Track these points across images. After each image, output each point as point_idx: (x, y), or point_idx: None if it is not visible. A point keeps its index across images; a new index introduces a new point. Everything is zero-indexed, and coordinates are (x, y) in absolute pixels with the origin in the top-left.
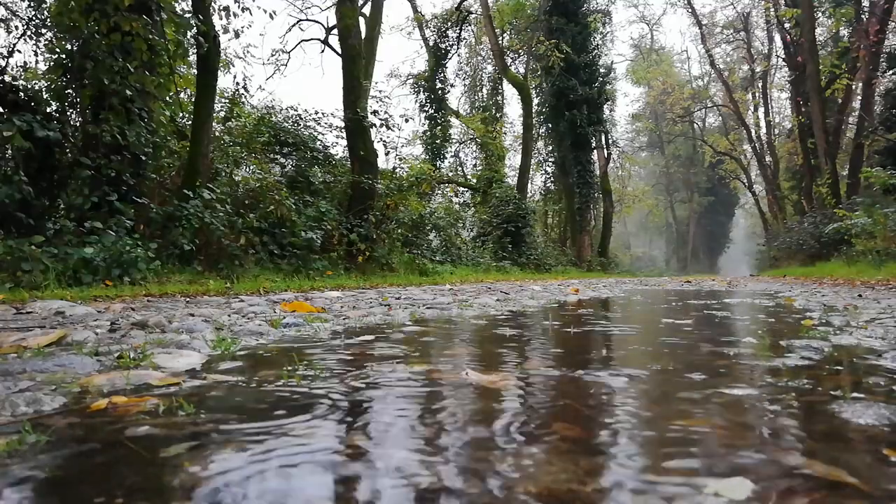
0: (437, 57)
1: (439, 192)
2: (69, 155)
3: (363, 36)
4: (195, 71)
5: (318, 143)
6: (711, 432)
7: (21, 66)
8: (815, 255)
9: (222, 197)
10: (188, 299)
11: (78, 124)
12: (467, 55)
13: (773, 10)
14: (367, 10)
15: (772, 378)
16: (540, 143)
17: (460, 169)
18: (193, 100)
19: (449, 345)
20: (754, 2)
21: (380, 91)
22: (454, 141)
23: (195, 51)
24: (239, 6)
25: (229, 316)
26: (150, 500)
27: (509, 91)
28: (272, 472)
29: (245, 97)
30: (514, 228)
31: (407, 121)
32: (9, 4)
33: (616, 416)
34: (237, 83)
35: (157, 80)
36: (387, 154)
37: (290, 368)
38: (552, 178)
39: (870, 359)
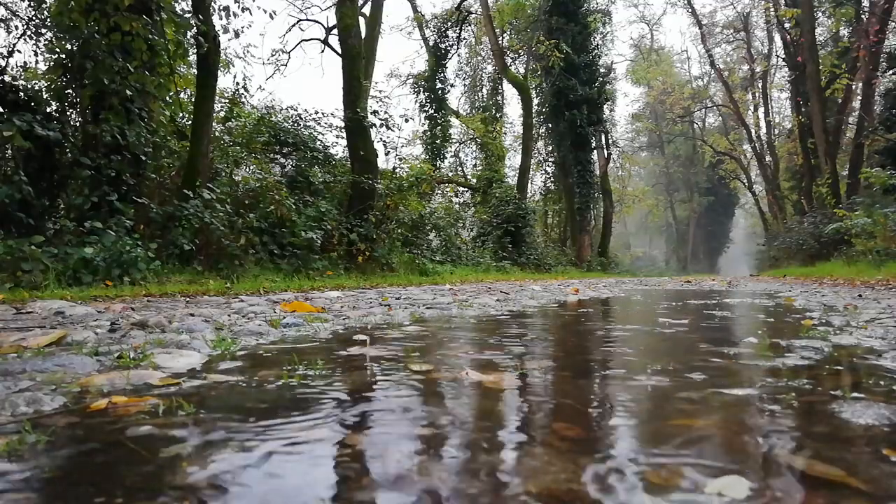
0: (437, 57)
1: (439, 192)
2: (69, 155)
3: (363, 36)
4: (195, 71)
5: (318, 143)
6: (711, 432)
7: (21, 66)
8: (814, 255)
9: (222, 197)
10: (188, 299)
11: (78, 124)
12: (467, 55)
13: (773, 10)
14: (367, 10)
15: (772, 378)
16: (540, 143)
17: (460, 169)
18: (193, 100)
19: (449, 345)
20: (754, 2)
21: (380, 91)
22: (454, 141)
23: (195, 51)
24: (239, 6)
25: (229, 316)
26: (150, 500)
27: (509, 91)
28: (272, 473)
29: (245, 97)
30: (514, 228)
31: (407, 121)
32: (9, 4)
33: (615, 415)
34: (237, 83)
35: (157, 80)
36: (387, 154)
37: (290, 368)
38: (552, 178)
39: (870, 359)
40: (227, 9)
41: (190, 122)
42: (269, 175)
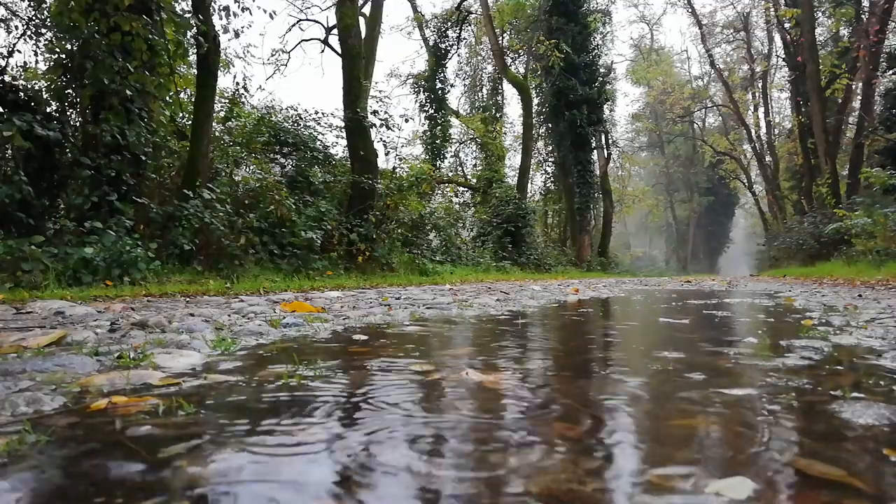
0: (437, 57)
1: (439, 192)
2: (69, 155)
3: (363, 36)
4: (195, 71)
5: (318, 143)
6: (712, 432)
7: (21, 66)
8: (814, 255)
9: (222, 197)
10: (188, 299)
11: (78, 124)
12: (467, 55)
13: (773, 10)
14: (367, 9)
15: (772, 378)
16: (540, 143)
17: (460, 169)
18: (193, 100)
19: (449, 345)
20: (754, 2)
21: (380, 91)
22: (454, 141)
23: (195, 51)
24: (239, 6)
25: (229, 316)
26: (150, 500)
27: (509, 91)
28: (272, 473)
29: (245, 97)
30: (514, 228)
31: (407, 121)
32: (9, 4)
33: (616, 416)
34: (237, 83)
35: (157, 80)
36: (387, 154)
37: (290, 368)
38: (552, 178)
39: (870, 359)
40: (227, 9)
41: (190, 122)
42: (269, 175)
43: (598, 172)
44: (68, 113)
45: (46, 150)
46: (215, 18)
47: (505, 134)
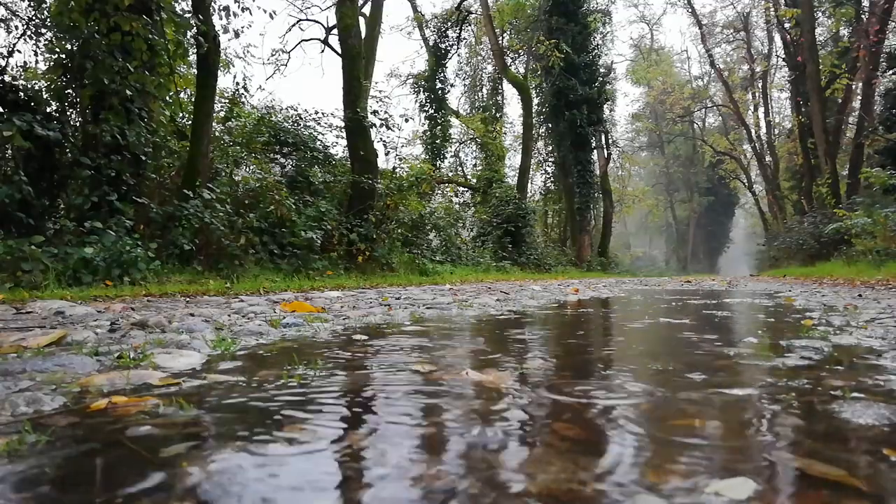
0: (437, 57)
1: (439, 192)
2: (69, 155)
3: (363, 36)
4: (195, 71)
5: (318, 143)
6: (711, 432)
7: (21, 66)
8: (814, 255)
9: (222, 197)
10: (188, 299)
11: (78, 124)
12: (467, 55)
13: (773, 10)
14: (367, 9)
15: (772, 378)
16: (540, 143)
17: (460, 169)
18: (193, 100)
19: (449, 344)
20: (754, 2)
21: (380, 91)
22: (454, 141)
23: (195, 51)
24: (239, 6)
25: (229, 316)
26: (150, 500)
27: (509, 91)
28: (272, 473)
29: (245, 97)
30: (514, 228)
31: (407, 121)
32: (9, 4)
33: (615, 416)
34: (237, 83)
35: (157, 80)
36: (387, 154)
37: (290, 368)
38: (552, 178)
39: (870, 359)
40: (227, 9)
41: (190, 122)
42: (269, 175)
43: (598, 172)
44: (68, 113)
45: (46, 150)
46: (215, 18)
47: (505, 134)
